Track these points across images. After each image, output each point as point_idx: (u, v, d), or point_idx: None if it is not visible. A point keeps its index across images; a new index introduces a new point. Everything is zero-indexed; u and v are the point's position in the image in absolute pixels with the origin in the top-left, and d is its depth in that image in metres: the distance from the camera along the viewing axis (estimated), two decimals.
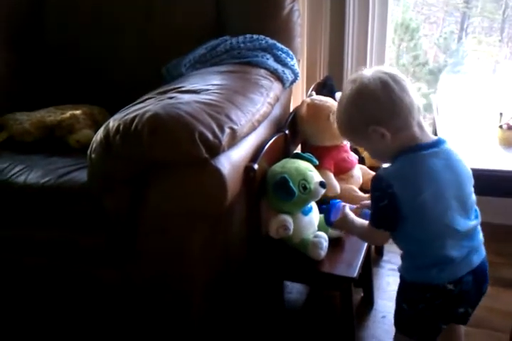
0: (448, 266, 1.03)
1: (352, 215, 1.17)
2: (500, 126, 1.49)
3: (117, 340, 1.46)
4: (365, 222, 1.11)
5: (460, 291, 1.04)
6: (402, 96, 1.01)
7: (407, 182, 1.00)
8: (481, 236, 1.09)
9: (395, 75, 1.03)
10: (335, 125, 1.49)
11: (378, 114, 1.02)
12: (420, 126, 1.04)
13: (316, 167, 1.38)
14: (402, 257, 1.11)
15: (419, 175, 1.00)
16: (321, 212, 1.35)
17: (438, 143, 1.04)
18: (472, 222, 1.05)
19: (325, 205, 1.25)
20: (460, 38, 2.52)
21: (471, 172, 1.06)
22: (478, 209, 1.08)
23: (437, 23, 2.62)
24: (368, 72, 1.05)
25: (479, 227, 1.09)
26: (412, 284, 1.08)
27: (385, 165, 1.11)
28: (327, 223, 1.24)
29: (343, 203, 1.23)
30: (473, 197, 1.07)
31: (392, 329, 1.49)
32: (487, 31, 2.45)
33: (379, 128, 1.02)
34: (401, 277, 1.12)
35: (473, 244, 1.06)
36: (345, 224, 1.18)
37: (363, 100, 1.03)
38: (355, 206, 1.23)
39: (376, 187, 1.03)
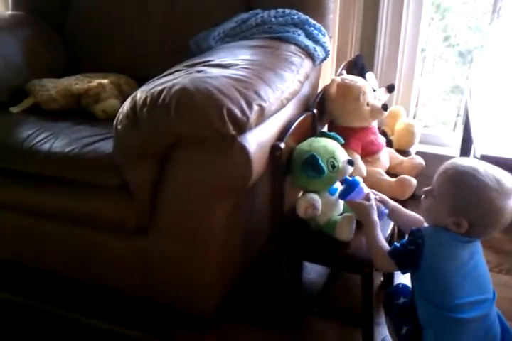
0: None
1: (375, 217, 1.16)
2: None
3: (131, 318, 1.48)
4: (381, 238, 1.14)
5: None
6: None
7: (434, 258, 1.05)
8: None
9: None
10: (364, 106, 1.47)
11: (478, 217, 1.02)
12: None
13: (343, 147, 1.35)
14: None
15: (446, 264, 1.04)
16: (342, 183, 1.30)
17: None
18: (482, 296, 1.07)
19: (349, 179, 1.23)
20: (492, 20, 2.43)
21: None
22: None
23: (469, 4, 2.53)
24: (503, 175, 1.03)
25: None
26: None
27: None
28: (340, 197, 1.24)
29: (366, 188, 1.22)
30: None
31: None
32: None
33: (465, 223, 1.02)
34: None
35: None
36: (366, 222, 1.17)
37: (479, 195, 1.01)
38: (377, 196, 1.22)
39: (413, 232, 1.08)
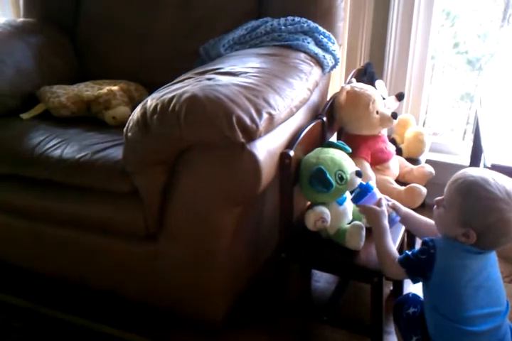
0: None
1: (386, 223, 1.17)
2: None
3: (140, 323, 1.48)
4: (391, 246, 1.14)
5: None
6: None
7: (445, 268, 1.04)
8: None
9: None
10: (374, 114, 1.47)
11: (486, 228, 1.01)
12: None
13: (352, 156, 1.35)
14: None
15: (457, 275, 1.04)
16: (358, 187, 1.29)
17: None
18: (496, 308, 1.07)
19: (364, 184, 1.24)
20: (501, 27, 2.42)
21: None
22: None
23: (478, 11, 2.53)
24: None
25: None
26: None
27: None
28: (353, 200, 1.24)
29: (379, 193, 1.22)
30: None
31: None
32: None
33: (473, 234, 1.01)
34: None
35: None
36: (377, 228, 1.17)
37: (487, 206, 1.00)
38: (389, 202, 1.22)
39: (426, 242, 1.07)
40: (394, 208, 1.23)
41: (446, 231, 1.07)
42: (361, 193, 1.22)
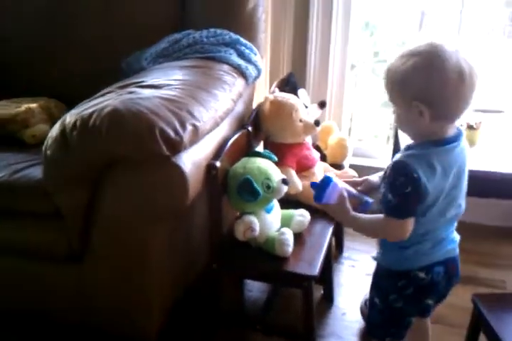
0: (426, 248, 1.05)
1: (352, 212, 1.09)
2: (461, 125, 1.52)
3: None
4: (370, 216, 1.06)
5: (431, 281, 1.07)
6: (467, 92, 0.97)
7: (430, 173, 0.98)
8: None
9: (473, 69, 0.97)
10: (297, 122, 1.50)
11: (435, 96, 0.96)
12: None
13: (278, 164, 1.37)
14: (382, 242, 1.13)
15: (440, 169, 0.99)
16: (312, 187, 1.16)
17: (459, 137, 1.04)
18: (457, 210, 1.07)
19: (316, 182, 1.14)
20: (417, 36, 2.55)
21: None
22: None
23: (396, 21, 2.66)
24: (455, 52, 0.96)
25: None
26: (386, 272, 1.12)
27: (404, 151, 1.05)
28: (316, 200, 1.13)
29: (340, 184, 1.13)
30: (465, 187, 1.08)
31: (352, 326, 1.52)
32: (444, 29, 2.50)
33: (424, 107, 0.97)
34: (376, 266, 1.15)
35: (448, 233, 1.09)
36: (350, 221, 1.10)
37: (431, 75, 0.96)
38: (353, 190, 1.15)
39: (400, 172, 0.98)
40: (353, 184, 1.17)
41: (414, 128, 1.03)
42: (321, 188, 1.11)
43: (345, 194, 1.10)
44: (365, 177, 1.22)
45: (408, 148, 1.05)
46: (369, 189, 1.20)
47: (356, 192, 1.16)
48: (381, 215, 1.03)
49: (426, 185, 0.97)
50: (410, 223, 1.01)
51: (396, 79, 1.00)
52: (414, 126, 1.03)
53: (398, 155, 1.03)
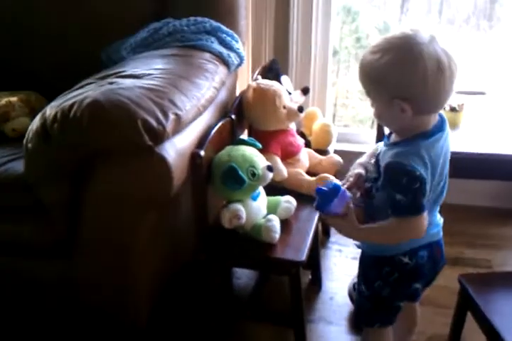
0: None
1: (358, 225, 1.03)
2: (444, 108, 1.52)
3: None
4: (378, 224, 1.01)
5: (415, 265, 1.07)
6: (448, 83, 0.94)
7: (424, 166, 0.96)
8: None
9: (451, 58, 0.94)
10: (281, 109, 1.50)
11: (416, 93, 0.93)
12: None
13: (263, 151, 1.37)
14: None
15: (430, 161, 0.97)
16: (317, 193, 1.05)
17: (443, 126, 1.02)
18: (440, 195, 1.07)
19: (323, 188, 1.02)
20: (400, 21, 2.56)
21: None
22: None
23: (378, 6, 2.65)
24: (429, 42, 0.92)
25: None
26: (370, 259, 1.12)
27: (394, 149, 1.00)
28: (320, 208, 1.04)
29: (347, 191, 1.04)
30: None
31: (340, 310, 1.54)
32: (426, 13, 2.50)
33: (405, 104, 0.94)
34: (361, 254, 1.15)
35: (432, 217, 1.08)
36: (358, 234, 1.05)
37: (408, 71, 0.92)
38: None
39: (400, 172, 0.96)
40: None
41: (396, 123, 1.01)
42: (328, 197, 1.01)
43: (352, 205, 1.04)
44: (357, 172, 1.12)
45: (394, 144, 1.02)
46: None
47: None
48: (390, 219, 1.00)
49: (426, 179, 0.96)
50: (426, 217, 0.99)
51: (371, 76, 0.97)
52: (397, 121, 1.00)
53: (387, 156, 1.00)
